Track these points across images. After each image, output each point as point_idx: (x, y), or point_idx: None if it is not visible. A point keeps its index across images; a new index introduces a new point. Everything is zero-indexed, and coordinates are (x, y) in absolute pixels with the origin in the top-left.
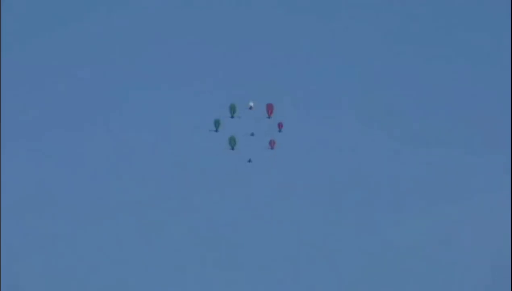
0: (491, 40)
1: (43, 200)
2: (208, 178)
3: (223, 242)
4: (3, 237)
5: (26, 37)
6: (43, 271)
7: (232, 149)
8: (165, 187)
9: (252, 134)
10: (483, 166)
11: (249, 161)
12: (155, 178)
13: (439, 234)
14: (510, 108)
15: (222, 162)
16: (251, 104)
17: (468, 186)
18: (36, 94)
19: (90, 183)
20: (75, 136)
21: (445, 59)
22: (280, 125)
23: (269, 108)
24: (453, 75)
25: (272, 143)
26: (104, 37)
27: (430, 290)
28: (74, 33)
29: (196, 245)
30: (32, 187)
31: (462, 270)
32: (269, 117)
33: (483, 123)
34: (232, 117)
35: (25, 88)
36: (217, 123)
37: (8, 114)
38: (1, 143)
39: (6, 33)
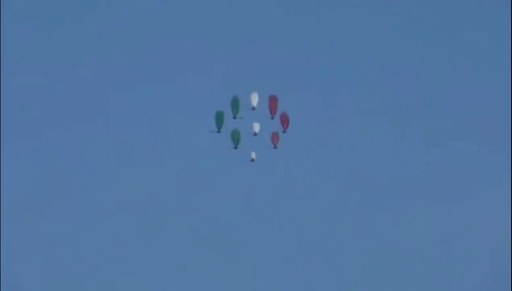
0: (492, 40)
1: (43, 200)
2: (209, 178)
3: (224, 242)
4: (3, 237)
5: (26, 37)
6: (43, 271)
7: (235, 147)
8: (165, 187)
9: (253, 160)
10: (484, 165)
11: (252, 160)
12: (155, 178)
13: (440, 233)
14: (510, 107)
15: (223, 162)
16: (254, 104)
17: (468, 185)
18: (36, 94)
19: (90, 183)
20: (75, 136)
21: (447, 60)
22: (284, 123)
23: (273, 105)
24: (455, 75)
25: (275, 139)
26: (104, 37)
27: (431, 289)
28: (74, 32)
29: (196, 245)
30: (32, 187)
31: (463, 269)
32: (272, 117)
33: (484, 122)
34: (234, 118)
35: (25, 88)
36: (219, 118)
37: (8, 114)
38: (1, 143)
39: (6, 32)
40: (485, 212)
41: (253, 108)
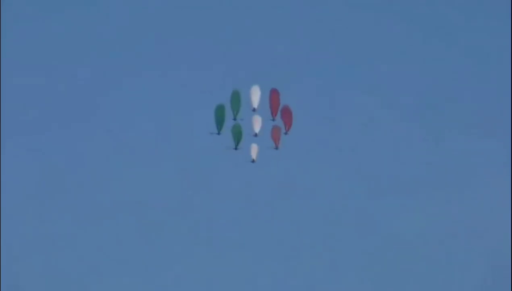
0: (492, 37)
1: (43, 200)
2: (209, 178)
3: (224, 242)
4: (3, 237)
5: (26, 37)
6: (43, 271)
7: (236, 147)
8: (165, 187)
9: (253, 161)
10: (485, 162)
11: (253, 161)
12: (155, 178)
13: (442, 231)
14: (511, 104)
15: (223, 162)
16: (255, 105)
17: (470, 183)
18: (36, 94)
19: (90, 183)
20: (75, 136)
21: (448, 59)
22: (286, 124)
23: (274, 103)
24: (456, 73)
25: (276, 137)
26: (104, 37)
27: (434, 287)
28: (74, 32)
29: (196, 245)
30: (32, 187)
31: (465, 267)
32: (273, 119)
33: (485, 119)
34: (234, 119)
35: (25, 88)
36: (220, 114)
37: (8, 114)
38: (1, 143)
39: (6, 32)
40: (486, 209)
41: (254, 109)
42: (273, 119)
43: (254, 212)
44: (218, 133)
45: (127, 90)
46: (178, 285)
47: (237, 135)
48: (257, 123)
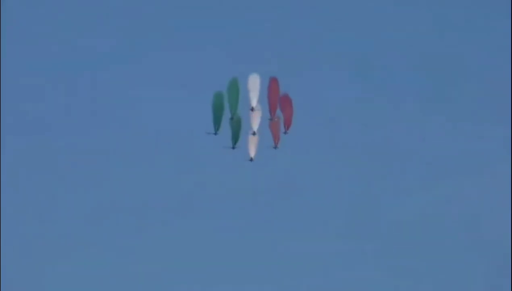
0: (492, 39)
1: (43, 200)
2: (209, 178)
3: (224, 242)
4: (3, 237)
5: (26, 37)
6: (43, 271)
7: (233, 146)
8: (165, 187)
9: (251, 159)
10: (488, 145)
11: (251, 159)
12: (155, 178)
13: (442, 228)
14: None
15: (223, 161)
16: (254, 104)
17: (470, 166)
18: (36, 94)
19: (90, 183)
20: (75, 137)
21: (447, 57)
22: (286, 123)
23: (272, 98)
24: (456, 74)
25: (275, 133)
26: (104, 36)
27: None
28: (74, 32)
29: (196, 245)
30: (32, 187)
31: (475, 252)
32: (271, 118)
33: (486, 101)
34: (232, 118)
35: (25, 87)
36: (217, 100)
37: (8, 114)
38: (1, 143)
39: (6, 32)
40: (487, 194)
41: (252, 108)
42: (271, 119)
43: (254, 211)
44: (215, 134)
45: (127, 90)
46: (178, 285)
47: (236, 129)
48: (256, 118)
